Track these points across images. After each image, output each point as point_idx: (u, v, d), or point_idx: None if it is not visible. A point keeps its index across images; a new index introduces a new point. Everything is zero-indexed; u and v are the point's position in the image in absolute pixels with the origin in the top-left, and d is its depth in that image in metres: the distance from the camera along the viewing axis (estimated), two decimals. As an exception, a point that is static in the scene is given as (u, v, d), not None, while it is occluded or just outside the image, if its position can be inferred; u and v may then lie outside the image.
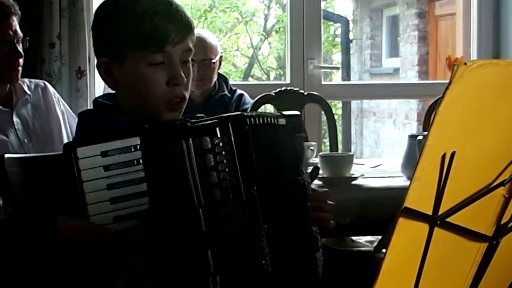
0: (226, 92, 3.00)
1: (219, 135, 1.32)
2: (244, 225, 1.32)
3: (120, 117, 1.53)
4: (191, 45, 1.52)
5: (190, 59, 1.53)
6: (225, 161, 1.32)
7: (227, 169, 1.32)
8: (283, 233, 1.41)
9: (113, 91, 1.58)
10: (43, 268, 1.32)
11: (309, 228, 1.50)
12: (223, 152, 1.32)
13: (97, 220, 1.30)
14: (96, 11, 1.56)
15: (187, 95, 1.53)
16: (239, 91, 2.99)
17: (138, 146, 1.33)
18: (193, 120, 1.36)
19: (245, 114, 1.38)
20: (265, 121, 1.43)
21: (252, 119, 1.38)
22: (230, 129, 1.33)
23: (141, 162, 1.32)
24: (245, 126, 1.35)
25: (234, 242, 1.32)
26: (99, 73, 1.54)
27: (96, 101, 1.59)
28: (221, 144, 1.32)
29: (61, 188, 1.37)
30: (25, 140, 2.54)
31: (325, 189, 1.59)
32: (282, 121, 1.51)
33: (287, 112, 1.54)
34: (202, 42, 2.89)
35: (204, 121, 1.35)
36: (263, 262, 1.33)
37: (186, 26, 1.50)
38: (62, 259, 1.29)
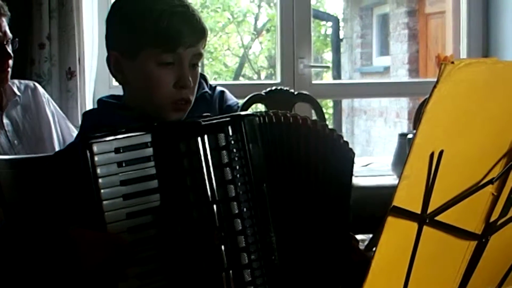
0: (207, 89, 2.99)
1: (232, 133, 1.35)
2: (256, 221, 1.35)
3: (125, 114, 1.54)
4: (201, 50, 1.54)
5: (198, 63, 1.55)
6: (236, 158, 1.35)
7: (238, 166, 1.35)
8: (302, 234, 1.42)
9: (117, 93, 1.60)
10: (54, 273, 1.32)
11: (343, 253, 1.51)
12: (235, 150, 1.35)
13: (112, 216, 1.30)
14: (113, 5, 1.57)
15: (192, 98, 1.55)
16: (219, 88, 2.97)
17: (149, 143, 1.34)
18: (202, 119, 1.38)
19: (255, 113, 1.41)
20: (281, 121, 1.43)
21: (263, 118, 1.40)
22: (243, 127, 1.36)
23: (151, 159, 1.34)
24: (255, 125, 1.38)
25: (247, 238, 1.34)
26: (108, 66, 1.55)
27: (100, 100, 1.61)
28: (233, 142, 1.35)
29: (71, 185, 1.37)
30: (15, 141, 2.53)
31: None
32: (329, 131, 1.55)
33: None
34: None
35: (216, 119, 1.38)
36: (272, 257, 1.36)
37: (200, 31, 1.53)
38: (73, 266, 1.30)
